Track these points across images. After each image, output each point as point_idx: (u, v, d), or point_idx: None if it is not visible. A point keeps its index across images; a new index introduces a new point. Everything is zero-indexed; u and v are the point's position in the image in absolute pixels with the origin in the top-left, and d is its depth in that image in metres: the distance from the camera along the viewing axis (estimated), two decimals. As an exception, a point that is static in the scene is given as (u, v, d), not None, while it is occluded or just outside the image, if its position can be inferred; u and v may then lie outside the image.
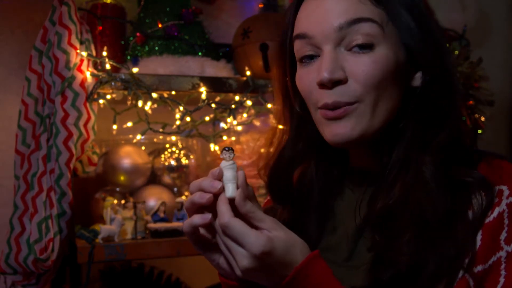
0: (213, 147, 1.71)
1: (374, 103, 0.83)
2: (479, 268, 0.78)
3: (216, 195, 0.78)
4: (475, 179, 0.82)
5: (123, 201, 1.62)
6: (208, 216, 0.78)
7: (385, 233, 0.82)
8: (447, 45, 0.88)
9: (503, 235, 0.79)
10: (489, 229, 0.79)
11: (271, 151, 0.98)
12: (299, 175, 0.97)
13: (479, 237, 0.79)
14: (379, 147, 0.87)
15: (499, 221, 0.79)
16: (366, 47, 0.82)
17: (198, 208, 0.80)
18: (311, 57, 0.86)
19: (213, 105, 1.62)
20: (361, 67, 0.82)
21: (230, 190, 0.77)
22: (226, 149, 0.79)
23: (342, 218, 0.95)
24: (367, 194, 0.89)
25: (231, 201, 0.77)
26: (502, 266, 0.78)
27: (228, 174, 0.78)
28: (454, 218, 0.80)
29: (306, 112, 0.93)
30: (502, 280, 0.77)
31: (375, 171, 0.89)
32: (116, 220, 1.55)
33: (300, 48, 0.87)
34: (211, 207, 0.79)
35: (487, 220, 0.80)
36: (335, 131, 0.84)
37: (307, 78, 0.86)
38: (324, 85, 0.82)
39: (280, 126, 1.00)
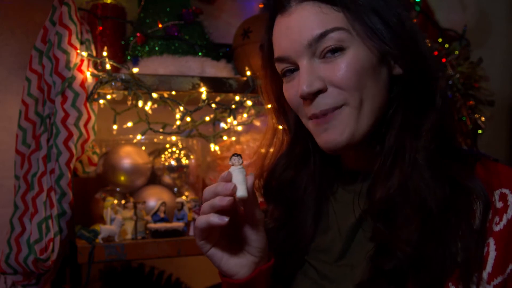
0: (213, 147, 1.71)
1: (360, 103, 0.85)
2: (499, 279, 0.78)
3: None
4: (475, 185, 0.82)
5: (123, 201, 1.62)
6: (226, 218, 0.80)
7: (388, 222, 0.83)
8: (418, 29, 0.90)
9: None
10: (501, 238, 0.79)
11: (271, 151, 1.00)
12: (294, 177, 0.99)
13: (492, 247, 0.79)
14: (369, 141, 0.89)
15: (509, 228, 0.80)
16: (337, 50, 0.84)
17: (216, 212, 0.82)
18: (292, 71, 0.90)
19: (213, 105, 1.62)
20: (336, 72, 0.84)
21: (240, 191, 0.80)
22: (235, 155, 0.83)
23: (335, 219, 0.96)
24: (363, 189, 0.90)
25: (242, 200, 0.81)
26: None
27: (237, 177, 0.81)
28: (457, 217, 0.81)
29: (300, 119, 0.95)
30: None
31: (369, 169, 0.90)
32: (116, 220, 1.55)
33: (280, 67, 0.92)
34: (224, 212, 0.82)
35: (497, 228, 0.80)
36: (326, 138, 0.87)
37: (291, 92, 0.90)
38: (306, 98, 0.86)
39: (280, 127, 1.01)
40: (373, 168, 0.88)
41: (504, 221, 0.80)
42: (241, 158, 0.83)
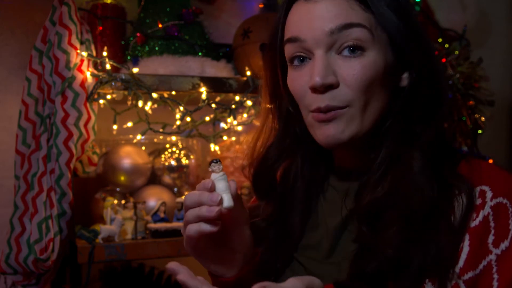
0: (213, 147, 1.71)
1: (364, 107, 0.85)
2: (470, 274, 0.78)
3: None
4: (458, 182, 0.83)
5: (123, 201, 1.62)
6: (217, 225, 0.80)
7: (372, 225, 0.83)
8: (432, 44, 0.89)
9: (491, 238, 0.79)
10: (476, 234, 0.79)
11: (257, 147, 1.00)
12: (284, 170, 0.99)
13: (466, 242, 0.79)
14: (366, 145, 0.89)
15: (485, 224, 0.80)
16: (356, 49, 0.83)
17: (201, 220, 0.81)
18: (302, 59, 0.87)
19: (213, 105, 1.62)
20: (352, 72, 0.83)
21: (227, 201, 0.79)
22: (214, 161, 0.81)
23: (323, 216, 0.96)
24: (352, 189, 0.90)
25: (228, 210, 0.80)
26: (494, 270, 0.78)
27: (220, 185, 0.80)
28: (439, 217, 0.81)
29: (295, 111, 0.94)
30: (495, 284, 0.77)
31: (360, 169, 0.90)
32: (116, 220, 1.55)
33: (291, 50, 0.88)
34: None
35: (473, 224, 0.80)
36: (327, 133, 0.86)
37: (299, 81, 0.88)
38: (317, 89, 0.84)
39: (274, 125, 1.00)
40: (366, 168, 0.89)
41: (480, 217, 0.80)
42: (221, 163, 0.82)
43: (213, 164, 0.81)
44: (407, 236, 0.79)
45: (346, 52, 0.84)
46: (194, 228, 0.80)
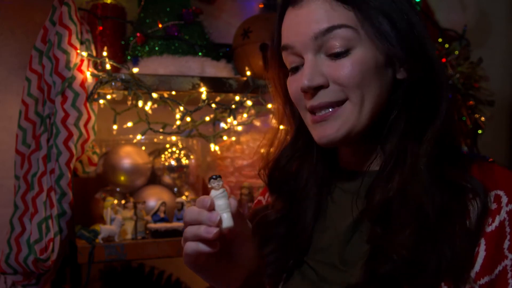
0: (213, 147, 1.71)
1: (361, 101, 0.85)
2: (486, 279, 0.78)
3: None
4: (472, 185, 0.82)
5: (123, 201, 1.62)
6: (216, 246, 0.77)
7: (385, 225, 0.83)
8: (428, 36, 0.89)
9: (506, 244, 0.79)
10: (492, 239, 0.80)
11: (271, 151, 1.01)
12: (297, 169, 1.00)
13: (482, 247, 0.80)
14: (369, 144, 0.90)
15: (501, 230, 0.80)
16: (343, 48, 0.85)
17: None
18: (297, 67, 0.90)
19: (213, 105, 1.62)
20: (341, 70, 0.85)
21: (226, 221, 0.76)
22: (214, 177, 0.77)
23: (332, 219, 0.95)
24: (361, 189, 0.90)
25: (228, 230, 0.76)
26: (509, 275, 0.78)
27: (220, 203, 0.76)
28: (453, 219, 0.81)
29: None
30: None
31: (365, 170, 0.91)
32: (116, 220, 1.55)
33: (286, 57, 0.92)
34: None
35: (489, 229, 0.80)
36: (321, 133, 0.88)
37: (294, 85, 0.90)
38: (306, 92, 0.87)
39: (281, 126, 1.02)
40: (371, 169, 0.89)
41: (496, 222, 0.80)
42: (221, 179, 0.77)
43: (212, 180, 0.77)
44: (421, 238, 0.79)
45: (334, 52, 0.85)
46: (191, 247, 0.77)
